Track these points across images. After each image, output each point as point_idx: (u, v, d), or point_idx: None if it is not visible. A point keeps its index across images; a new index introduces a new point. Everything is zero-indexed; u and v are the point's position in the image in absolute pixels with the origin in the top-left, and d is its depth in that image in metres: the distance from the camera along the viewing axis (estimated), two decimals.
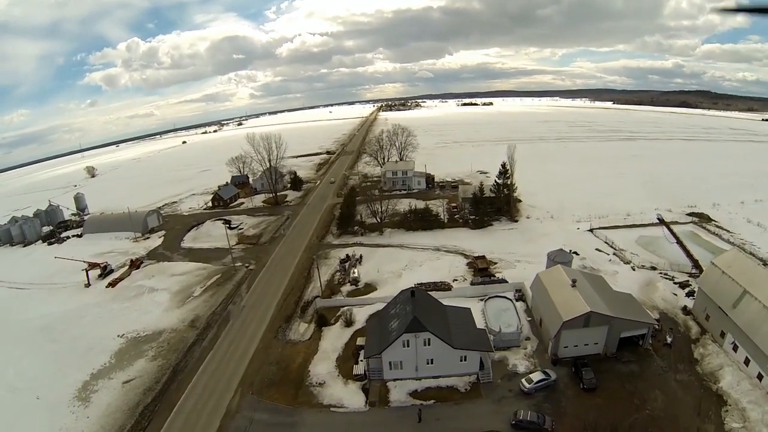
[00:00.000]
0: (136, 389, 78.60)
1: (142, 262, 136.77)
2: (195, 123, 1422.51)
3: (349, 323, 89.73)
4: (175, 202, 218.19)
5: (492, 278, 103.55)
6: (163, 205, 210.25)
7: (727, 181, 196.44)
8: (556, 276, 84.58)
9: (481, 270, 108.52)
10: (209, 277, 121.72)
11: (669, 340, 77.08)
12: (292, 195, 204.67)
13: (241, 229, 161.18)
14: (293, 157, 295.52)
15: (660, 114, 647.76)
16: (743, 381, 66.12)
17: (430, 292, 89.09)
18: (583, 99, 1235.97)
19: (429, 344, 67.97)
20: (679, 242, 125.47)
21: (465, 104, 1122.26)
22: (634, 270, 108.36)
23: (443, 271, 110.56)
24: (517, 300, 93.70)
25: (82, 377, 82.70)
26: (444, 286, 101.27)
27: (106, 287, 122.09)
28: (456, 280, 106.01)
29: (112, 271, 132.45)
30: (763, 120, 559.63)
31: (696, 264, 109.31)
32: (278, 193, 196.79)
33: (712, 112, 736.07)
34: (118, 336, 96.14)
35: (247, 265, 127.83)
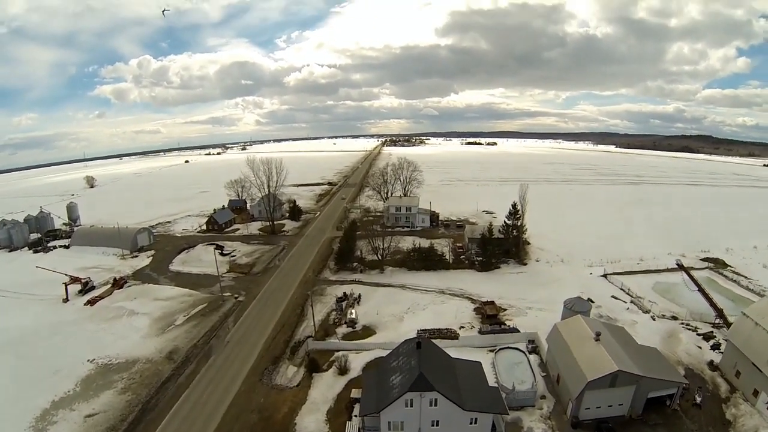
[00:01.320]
0: (98, 426, 69.46)
1: (125, 282, 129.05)
2: (200, 144, 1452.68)
3: (343, 371, 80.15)
4: (170, 221, 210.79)
5: (502, 327, 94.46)
6: (157, 224, 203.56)
7: (737, 227, 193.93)
8: (577, 327, 76.10)
9: (490, 317, 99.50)
10: (194, 306, 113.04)
11: (698, 399, 69.42)
12: (290, 224, 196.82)
13: (233, 256, 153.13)
14: (294, 185, 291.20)
15: (663, 159, 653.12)
16: None
17: (434, 340, 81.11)
18: (586, 142, 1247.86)
19: (435, 404, 58.32)
20: (701, 289, 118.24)
21: (469, 143, 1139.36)
22: (654, 320, 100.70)
23: (449, 317, 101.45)
24: (530, 352, 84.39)
25: (43, 404, 74.04)
26: (450, 334, 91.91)
27: (85, 305, 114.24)
28: (463, 327, 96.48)
29: (93, 287, 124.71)
30: (764, 165, 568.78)
31: (720, 313, 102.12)
32: (275, 222, 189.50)
33: (713, 157, 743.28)
34: (89, 360, 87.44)
35: (236, 295, 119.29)
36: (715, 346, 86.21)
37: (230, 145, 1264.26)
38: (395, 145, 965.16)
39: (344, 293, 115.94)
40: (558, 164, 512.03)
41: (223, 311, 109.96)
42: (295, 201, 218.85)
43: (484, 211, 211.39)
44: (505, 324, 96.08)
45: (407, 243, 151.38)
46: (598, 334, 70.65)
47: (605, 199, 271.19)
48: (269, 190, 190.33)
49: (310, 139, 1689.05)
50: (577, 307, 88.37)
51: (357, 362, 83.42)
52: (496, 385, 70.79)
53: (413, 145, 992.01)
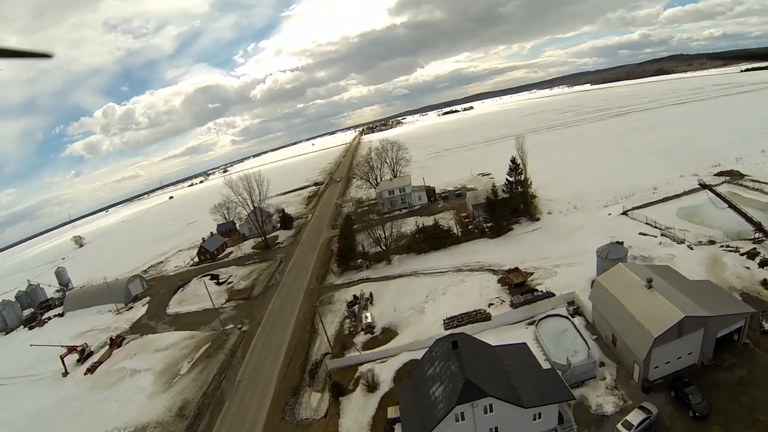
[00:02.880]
0: None
1: (123, 339, 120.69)
2: (181, 177, 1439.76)
3: (372, 387, 70.89)
4: (161, 262, 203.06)
5: (535, 294, 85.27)
6: (149, 267, 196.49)
7: (738, 135, 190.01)
8: (621, 278, 67.50)
9: (518, 286, 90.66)
10: (197, 348, 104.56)
11: (767, 326, 62.72)
12: (283, 235, 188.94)
13: (230, 283, 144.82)
14: (281, 194, 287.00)
15: (641, 86, 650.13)
16: None
17: (465, 327, 74.02)
18: (560, 86, 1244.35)
19: (491, 410, 48.83)
20: (732, 205, 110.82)
21: (446, 113, 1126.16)
22: (692, 249, 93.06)
23: (473, 296, 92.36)
24: (572, 316, 75.90)
25: None
26: (481, 316, 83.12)
27: (85, 374, 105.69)
28: (492, 304, 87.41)
29: (91, 353, 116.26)
30: (741, 71, 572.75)
31: (759, 226, 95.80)
32: (268, 236, 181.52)
33: (689, 74, 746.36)
34: None
35: (239, 326, 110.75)
36: (764, 263, 79.84)
37: (211, 171, 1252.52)
38: (373, 132, 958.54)
39: (354, 296, 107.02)
40: (539, 113, 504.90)
41: (228, 347, 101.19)
42: (283, 209, 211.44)
43: (479, 174, 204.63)
44: (537, 290, 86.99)
45: (409, 225, 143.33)
46: (649, 281, 62.07)
47: (598, 135, 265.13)
48: (253, 205, 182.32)
49: (288, 146, 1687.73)
50: (612, 254, 79.61)
51: (386, 373, 74.52)
52: (549, 365, 62.04)
53: (391, 128, 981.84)
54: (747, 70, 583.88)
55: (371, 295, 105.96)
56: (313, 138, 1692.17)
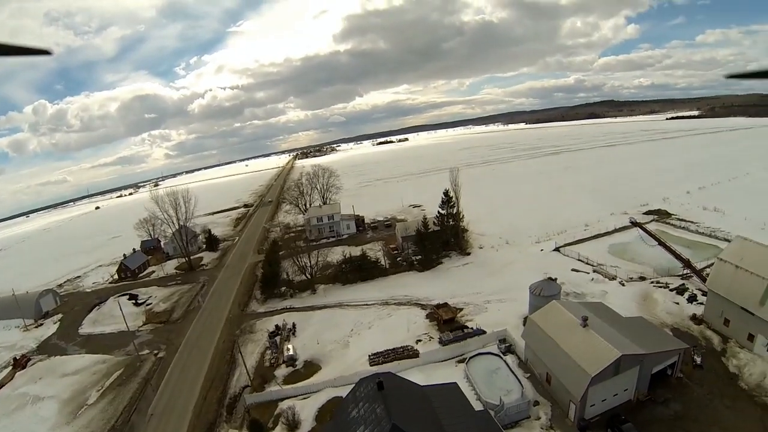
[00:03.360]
0: None
1: (29, 360, 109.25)
2: (111, 187, 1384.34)
3: (293, 426, 65.35)
4: (79, 276, 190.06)
5: (465, 331, 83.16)
6: (65, 282, 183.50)
7: (663, 177, 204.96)
8: (556, 316, 66.61)
9: (448, 322, 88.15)
10: (109, 375, 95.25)
11: (698, 360, 65.58)
12: (208, 257, 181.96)
13: (149, 304, 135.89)
14: (210, 214, 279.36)
15: (573, 127, 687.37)
16: None
17: (392, 365, 71.56)
18: (496, 123, 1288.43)
19: None
20: (662, 243, 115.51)
21: (381, 143, 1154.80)
22: (623, 285, 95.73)
23: (400, 331, 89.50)
24: (505, 354, 74.02)
25: None
26: (408, 353, 79.89)
27: None
28: (420, 340, 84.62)
29: None
30: (667, 119, 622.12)
31: (687, 263, 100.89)
32: (192, 257, 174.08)
33: (619, 119, 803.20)
34: None
35: (155, 352, 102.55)
36: (692, 299, 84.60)
37: (142, 184, 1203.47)
38: (307, 157, 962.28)
39: (276, 326, 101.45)
40: (474, 148, 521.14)
41: (141, 375, 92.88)
42: (210, 230, 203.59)
43: (410, 205, 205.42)
44: (467, 327, 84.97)
45: (336, 254, 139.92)
46: (584, 319, 61.60)
47: (532, 172, 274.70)
48: (179, 224, 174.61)
49: (222, 164, 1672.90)
50: (546, 291, 79.14)
51: (308, 411, 69.43)
52: (481, 405, 59.52)
53: (325, 154, 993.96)
54: (672, 118, 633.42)
55: (294, 325, 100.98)
56: (248, 159, 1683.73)
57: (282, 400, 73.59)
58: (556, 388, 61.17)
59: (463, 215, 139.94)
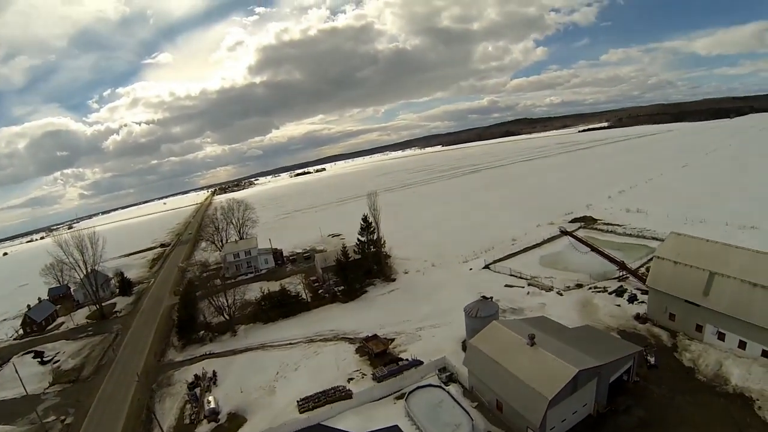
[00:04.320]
0: None
1: None
2: (21, 231, 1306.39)
3: None
4: None
5: (400, 363, 77.11)
6: None
7: (584, 185, 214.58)
8: (499, 337, 62.18)
9: (380, 355, 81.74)
10: None
11: (652, 360, 65.60)
12: (121, 302, 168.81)
13: (56, 361, 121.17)
14: (125, 255, 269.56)
15: (490, 146, 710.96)
16: (752, 367, 60.51)
17: (324, 409, 65.30)
18: (413, 148, 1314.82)
19: None
20: (594, 248, 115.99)
21: (298, 174, 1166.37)
22: (561, 295, 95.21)
23: (330, 370, 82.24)
24: (446, 384, 68.53)
25: None
26: (340, 394, 72.41)
27: None
28: (352, 379, 77.51)
29: None
30: (579, 131, 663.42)
31: (622, 265, 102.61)
32: (104, 303, 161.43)
33: (534, 134, 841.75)
34: None
35: (62, 417, 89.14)
36: (632, 299, 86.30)
37: (55, 227, 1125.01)
38: (225, 192, 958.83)
39: (195, 375, 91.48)
40: (392, 173, 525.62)
41: None
42: (123, 273, 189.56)
43: (329, 235, 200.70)
44: (402, 359, 79.09)
45: (255, 291, 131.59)
46: (531, 337, 57.50)
47: (452, 192, 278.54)
48: (87, 268, 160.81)
49: (139, 204, 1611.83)
50: (483, 311, 74.42)
51: None
52: None
53: (244, 188, 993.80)
54: (584, 130, 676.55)
55: (215, 373, 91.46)
56: (166, 197, 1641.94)
57: None
58: (510, 416, 55.89)
59: (384, 240, 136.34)
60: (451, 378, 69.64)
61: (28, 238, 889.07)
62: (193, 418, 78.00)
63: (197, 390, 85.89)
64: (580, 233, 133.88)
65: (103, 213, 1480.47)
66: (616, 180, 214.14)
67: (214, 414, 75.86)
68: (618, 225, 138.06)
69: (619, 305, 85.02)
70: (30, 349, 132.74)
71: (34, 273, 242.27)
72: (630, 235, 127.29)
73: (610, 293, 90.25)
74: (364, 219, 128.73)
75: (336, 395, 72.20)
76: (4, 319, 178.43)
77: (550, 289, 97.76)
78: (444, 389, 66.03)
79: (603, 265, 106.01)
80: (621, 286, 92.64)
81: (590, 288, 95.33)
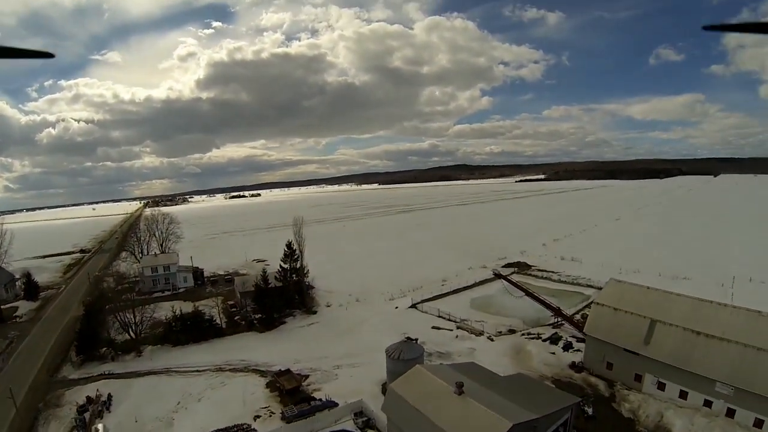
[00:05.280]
0: None
1: None
2: None
3: None
4: None
5: (313, 403, 68.87)
6: None
7: (518, 231, 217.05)
8: (423, 383, 54.67)
9: (292, 392, 73.16)
10: None
11: (590, 411, 62.68)
12: (24, 306, 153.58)
13: None
14: (40, 257, 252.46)
15: (426, 188, 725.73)
16: (695, 417, 59.68)
17: None
18: (350, 184, 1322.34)
19: None
20: (529, 293, 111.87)
21: (233, 197, 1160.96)
22: (492, 340, 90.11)
23: (236, 405, 73.27)
24: (363, 429, 60.84)
25: None
26: None
27: None
28: (258, 416, 68.47)
29: None
30: (516, 182, 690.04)
31: (558, 312, 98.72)
32: (5, 306, 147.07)
33: (471, 181, 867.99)
34: None
35: None
36: (567, 346, 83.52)
37: None
38: (158, 206, 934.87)
39: (88, 397, 79.95)
40: (325, 205, 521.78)
41: None
42: (30, 275, 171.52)
43: (254, 260, 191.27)
44: (314, 398, 71.05)
45: (168, 311, 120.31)
46: (459, 386, 50.30)
47: (383, 230, 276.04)
48: None
49: (68, 206, 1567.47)
50: (406, 354, 67.55)
51: None
52: None
53: (177, 204, 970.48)
54: (521, 180, 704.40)
55: (110, 397, 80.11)
56: (97, 203, 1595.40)
57: None
58: None
59: (307, 270, 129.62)
60: (368, 424, 61.84)
61: None
62: None
63: (86, 415, 75.02)
64: (514, 278, 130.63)
65: (28, 210, 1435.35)
66: (551, 228, 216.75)
67: None
68: (552, 272, 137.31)
69: (553, 353, 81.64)
70: None
71: None
72: (565, 282, 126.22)
73: (545, 340, 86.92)
74: (288, 245, 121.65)
75: None
76: None
77: (481, 333, 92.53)
78: None
79: (537, 310, 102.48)
80: (556, 333, 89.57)
81: (523, 334, 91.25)
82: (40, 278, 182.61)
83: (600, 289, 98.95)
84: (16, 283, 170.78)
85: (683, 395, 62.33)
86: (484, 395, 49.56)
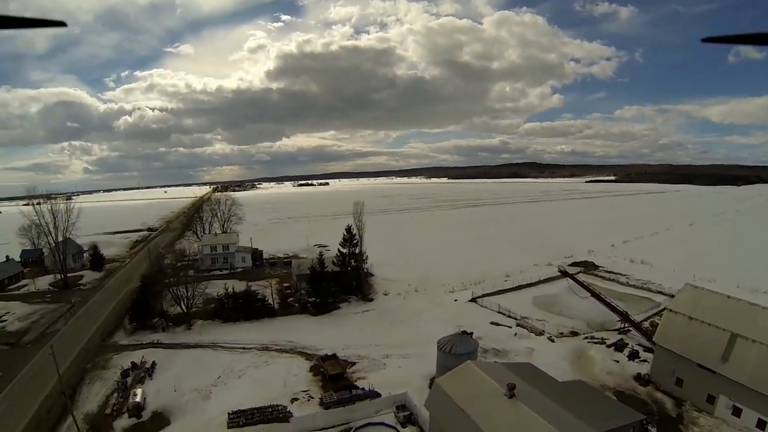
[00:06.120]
0: None
1: None
2: (19, 194, 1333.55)
3: None
4: None
5: (354, 392, 65.50)
6: None
7: (586, 231, 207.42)
8: (472, 381, 49.64)
9: (335, 378, 70.35)
10: None
11: (653, 430, 55.28)
12: (89, 276, 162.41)
13: (3, 321, 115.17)
14: (110, 233, 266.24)
15: (495, 184, 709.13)
16: None
17: (257, 429, 56.10)
18: (419, 177, 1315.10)
19: None
20: (596, 294, 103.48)
21: (301, 185, 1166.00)
22: (553, 341, 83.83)
23: (275, 385, 71.43)
24: (402, 425, 56.76)
25: None
26: (277, 415, 61.26)
27: None
28: (296, 399, 66.21)
29: None
30: (586, 182, 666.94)
31: (625, 316, 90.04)
32: (71, 274, 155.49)
33: (541, 179, 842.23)
34: None
35: None
36: (633, 356, 75.66)
37: (55, 195, 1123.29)
38: (227, 191, 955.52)
39: (133, 363, 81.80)
40: (393, 196, 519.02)
41: None
42: (96, 247, 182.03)
43: (316, 245, 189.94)
44: (357, 386, 67.70)
45: (221, 288, 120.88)
46: (511, 388, 44.54)
47: (450, 221, 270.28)
48: (56, 236, 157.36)
49: (141, 188, 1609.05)
50: (458, 348, 62.71)
51: None
52: None
53: (245, 190, 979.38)
54: (591, 181, 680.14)
55: (153, 365, 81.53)
56: (168, 186, 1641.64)
57: None
58: None
59: (366, 256, 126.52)
60: (409, 419, 57.62)
61: (26, 202, 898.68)
62: (115, 408, 68.38)
63: (128, 379, 76.67)
64: (580, 278, 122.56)
65: (105, 191, 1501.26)
66: (620, 229, 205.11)
67: (137, 409, 66.53)
68: (621, 274, 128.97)
69: (617, 361, 74.50)
70: None
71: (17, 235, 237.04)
72: (633, 286, 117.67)
73: (609, 346, 79.91)
74: (348, 229, 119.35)
75: (273, 415, 61.45)
76: None
77: (541, 333, 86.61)
78: (397, 431, 54.31)
79: (603, 314, 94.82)
80: (621, 339, 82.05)
81: (586, 337, 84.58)
82: (108, 252, 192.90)
83: (672, 296, 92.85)
84: (84, 254, 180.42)
85: (761, 425, 54.11)
86: (538, 401, 44.16)
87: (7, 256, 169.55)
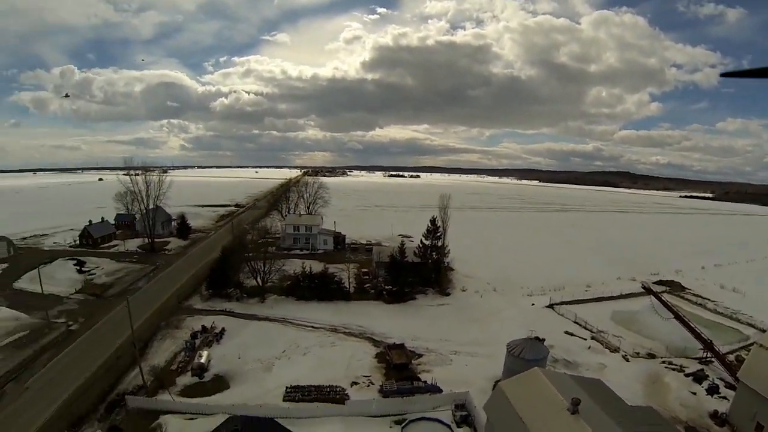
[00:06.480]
0: None
1: None
2: (121, 165, 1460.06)
3: None
4: (46, 234, 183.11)
5: (416, 383, 64.24)
6: (31, 236, 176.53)
7: (677, 249, 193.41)
8: (537, 389, 46.41)
9: (399, 368, 69.45)
10: (11, 334, 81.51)
11: None
12: (175, 243, 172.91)
13: (92, 274, 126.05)
14: (199, 206, 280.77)
15: (586, 191, 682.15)
16: None
17: (311, 406, 56.18)
18: (510, 177, 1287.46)
19: None
20: (680, 317, 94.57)
21: (392, 175, 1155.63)
22: (627, 360, 78.08)
23: (338, 367, 71.38)
24: (458, 425, 54.68)
25: None
26: (334, 395, 61.10)
27: None
28: (356, 383, 65.91)
29: None
30: (680, 197, 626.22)
31: (709, 346, 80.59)
32: (158, 239, 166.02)
33: (633, 190, 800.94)
34: None
35: (70, 323, 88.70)
36: (713, 390, 67.37)
37: (153, 168, 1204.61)
38: (317, 176, 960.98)
39: (203, 326, 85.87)
40: (483, 194, 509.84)
41: (42, 343, 78.83)
42: (183, 217, 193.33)
43: (399, 234, 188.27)
44: (420, 379, 66.26)
45: (299, 267, 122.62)
46: (575, 403, 40.83)
47: (537, 224, 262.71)
48: (147, 203, 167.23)
49: (234, 167, 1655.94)
50: (528, 353, 60.03)
51: None
52: None
53: (335, 176, 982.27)
54: (685, 196, 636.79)
55: (222, 331, 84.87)
56: (260, 167, 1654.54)
57: (167, 413, 57.51)
58: None
59: (449, 250, 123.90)
60: (465, 420, 55.57)
61: (125, 172, 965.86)
62: (180, 366, 72.54)
63: (197, 341, 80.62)
64: (665, 297, 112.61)
65: (199, 167, 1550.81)
66: (713, 251, 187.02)
67: (200, 370, 70.03)
68: (709, 299, 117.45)
69: (694, 393, 67.04)
70: (74, 257, 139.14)
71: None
72: (722, 314, 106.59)
73: (687, 375, 72.27)
74: (432, 221, 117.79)
75: (329, 395, 61.50)
76: (72, 229, 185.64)
77: (616, 350, 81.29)
78: (451, 430, 52.50)
79: (684, 339, 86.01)
80: (702, 370, 73.63)
81: (664, 362, 77.54)
82: (195, 223, 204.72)
83: (763, 330, 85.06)
84: (172, 222, 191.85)
85: None
86: (602, 422, 40.33)
87: (102, 218, 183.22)
